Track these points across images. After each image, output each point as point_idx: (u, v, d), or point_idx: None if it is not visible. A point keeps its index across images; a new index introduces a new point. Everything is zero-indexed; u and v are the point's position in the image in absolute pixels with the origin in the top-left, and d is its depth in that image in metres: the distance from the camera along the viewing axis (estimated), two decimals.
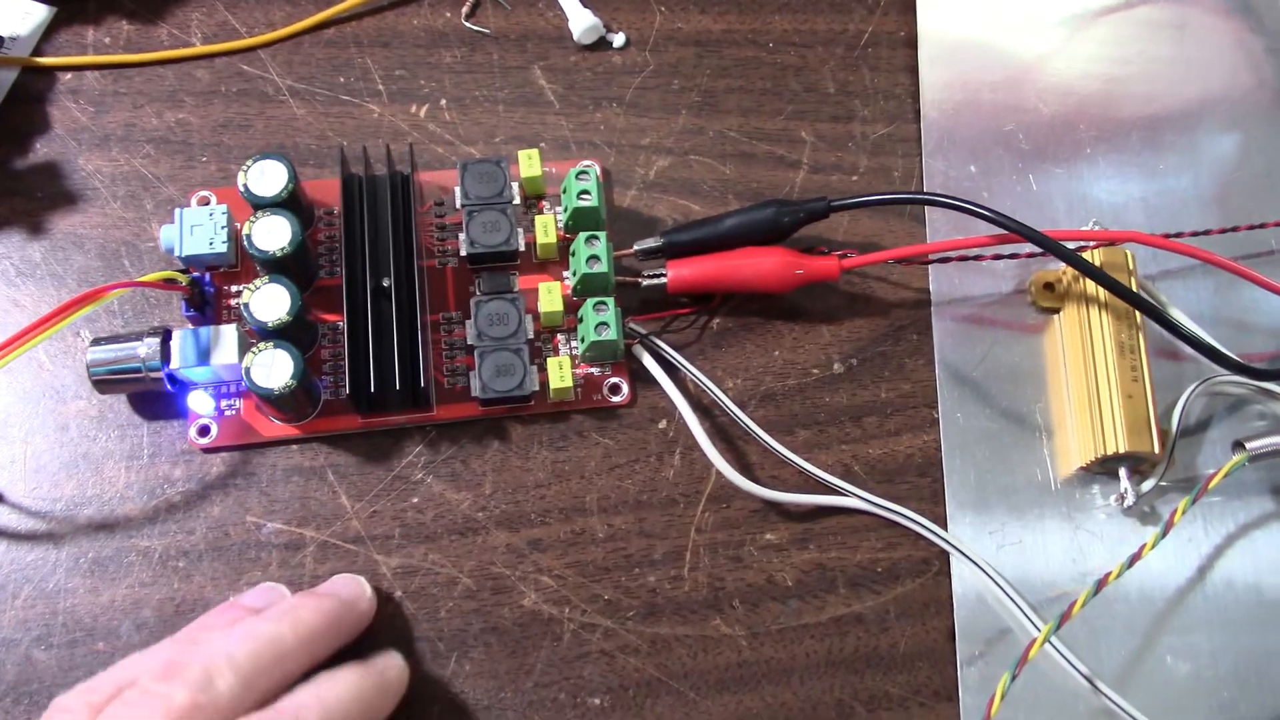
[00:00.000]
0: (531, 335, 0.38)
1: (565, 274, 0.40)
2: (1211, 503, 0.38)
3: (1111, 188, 0.42)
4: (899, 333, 0.40)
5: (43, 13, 0.42)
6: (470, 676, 0.35)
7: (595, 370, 0.39)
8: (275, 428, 0.37)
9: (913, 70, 0.44)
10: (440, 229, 0.40)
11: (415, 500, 0.37)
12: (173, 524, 0.36)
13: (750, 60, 0.44)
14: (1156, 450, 0.37)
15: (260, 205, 0.37)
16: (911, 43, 0.44)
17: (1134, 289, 0.38)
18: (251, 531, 0.36)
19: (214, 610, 0.34)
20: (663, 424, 0.38)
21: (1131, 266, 0.39)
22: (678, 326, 0.40)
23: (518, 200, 0.40)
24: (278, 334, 0.36)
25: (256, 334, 0.36)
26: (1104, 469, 0.38)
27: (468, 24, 0.43)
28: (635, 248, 0.39)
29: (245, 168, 0.37)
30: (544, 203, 0.41)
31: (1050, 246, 0.36)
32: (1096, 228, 0.40)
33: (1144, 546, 0.35)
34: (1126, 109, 0.44)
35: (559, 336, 0.39)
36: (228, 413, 0.37)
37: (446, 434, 0.38)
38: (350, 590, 0.35)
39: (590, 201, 0.38)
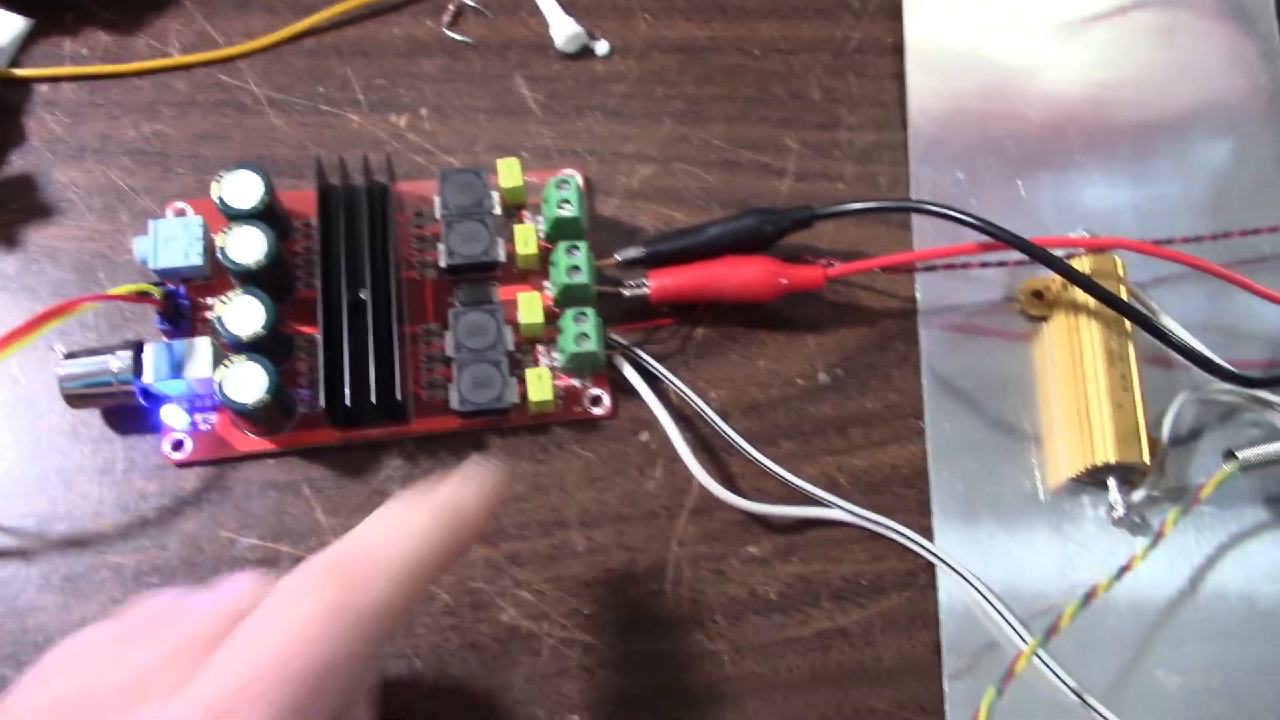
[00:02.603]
0: (511, 347, 0.38)
1: (546, 284, 0.39)
2: (1203, 513, 0.38)
3: (1101, 194, 0.42)
4: (885, 342, 0.40)
5: (20, 24, 0.42)
6: (448, 693, 0.35)
7: (576, 382, 0.38)
8: (250, 442, 0.37)
9: (900, 77, 0.43)
10: (419, 240, 0.39)
11: None
12: (146, 539, 0.36)
13: (736, 67, 0.43)
14: (1146, 460, 0.36)
15: (235, 217, 0.36)
16: (899, 49, 0.44)
17: (1124, 296, 0.38)
18: (225, 547, 0.36)
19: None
20: (644, 436, 0.38)
21: (1121, 273, 0.38)
22: (660, 337, 0.39)
23: (498, 210, 0.39)
24: (252, 347, 0.35)
25: (230, 347, 0.35)
26: (1093, 479, 0.37)
27: (449, 33, 0.43)
28: (617, 257, 0.39)
29: (219, 179, 0.36)
30: (525, 212, 0.40)
31: (1037, 254, 0.36)
32: (1085, 234, 0.40)
33: (1134, 558, 0.34)
34: (1117, 115, 0.43)
35: (539, 348, 0.38)
36: (202, 427, 0.37)
37: (425, 447, 0.37)
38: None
39: (570, 211, 0.38)
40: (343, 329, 0.36)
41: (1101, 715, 0.34)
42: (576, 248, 0.38)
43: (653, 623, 0.36)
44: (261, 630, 0.25)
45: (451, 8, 0.43)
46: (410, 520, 0.27)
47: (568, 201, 0.38)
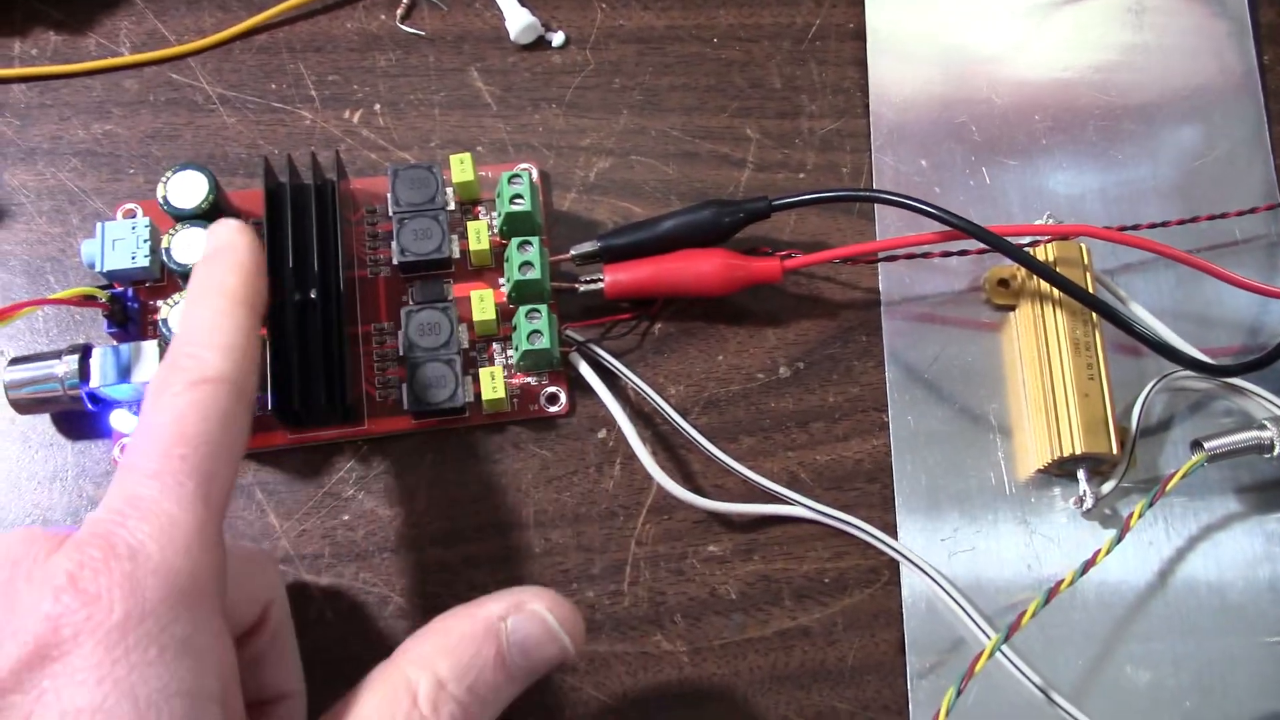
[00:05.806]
0: (466, 345, 0.37)
1: (501, 281, 0.38)
2: (1173, 504, 0.37)
3: (1068, 179, 0.41)
4: (848, 334, 0.39)
5: None
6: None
7: (532, 380, 0.37)
8: None
9: (862, 63, 0.42)
10: (373, 238, 0.39)
11: (346, 518, 0.36)
12: None
13: (694, 56, 0.42)
14: (1114, 451, 0.35)
15: (181, 217, 0.36)
16: (860, 35, 0.43)
17: (1088, 284, 0.37)
18: None
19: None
20: (602, 434, 0.37)
21: (1087, 261, 0.38)
22: (619, 332, 0.39)
23: (452, 206, 0.39)
24: None
25: None
26: (1062, 471, 0.37)
27: (403, 26, 0.42)
28: (571, 252, 0.38)
29: (165, 179, 0.36)
30: (479, 208, 0.39)
31: (995, 242, 0.35)
32: (1050, 221, 0.39)
33: (1098, 552, 0.34)
34: (1083, 98, 0.42)
35: (494, 346, 0.38)
36: None
37: (379, 449, 0.37)
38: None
39: (523, 206, 0.37)
40: (290, 330, 0.35)
41: (1068, 713, 0.34)
42: (529, 243, 0.37)
43: (611, 625, 0.35)
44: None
45: (405, 1, 0.42)
46: None
47: (520, 196, 0.37)
